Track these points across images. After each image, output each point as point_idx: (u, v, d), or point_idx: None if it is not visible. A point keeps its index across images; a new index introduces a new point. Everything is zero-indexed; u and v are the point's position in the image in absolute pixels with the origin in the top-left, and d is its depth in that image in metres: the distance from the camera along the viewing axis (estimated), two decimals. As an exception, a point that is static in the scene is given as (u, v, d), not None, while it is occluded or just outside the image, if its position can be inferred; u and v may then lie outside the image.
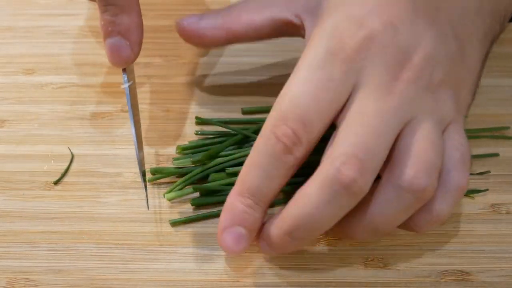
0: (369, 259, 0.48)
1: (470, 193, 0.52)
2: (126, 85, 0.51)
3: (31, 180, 0.53)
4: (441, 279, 0.47)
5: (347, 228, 0.44)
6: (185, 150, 0.54)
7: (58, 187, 0.52)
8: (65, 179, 0.53)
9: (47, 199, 0.51)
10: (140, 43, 0.51)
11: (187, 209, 0.51)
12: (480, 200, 0.52)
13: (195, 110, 0.58)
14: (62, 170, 0.53)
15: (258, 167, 0.43)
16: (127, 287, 0.46)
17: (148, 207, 0.50)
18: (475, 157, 0.54)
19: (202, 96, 0.60)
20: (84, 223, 0.50)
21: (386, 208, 0.42)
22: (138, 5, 0.50)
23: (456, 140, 0.45)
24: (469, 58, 0.48)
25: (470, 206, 0.51)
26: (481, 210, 0.51)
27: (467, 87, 0.48)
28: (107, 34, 0.49)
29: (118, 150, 0.55)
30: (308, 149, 0.43)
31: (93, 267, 0.47)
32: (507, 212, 0.51)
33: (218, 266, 0.47)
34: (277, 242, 0.44)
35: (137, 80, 0.58)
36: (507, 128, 0.56)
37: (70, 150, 0.55)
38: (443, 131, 0.45)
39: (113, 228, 0.49)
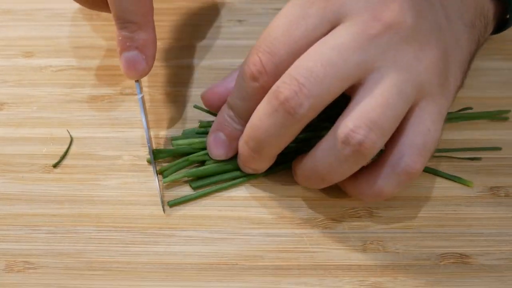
0: (368, 242, 0.48)
1: (461, 180, 0.52)
2: (139, 96, 0.52)
3: (30, 163, 0.53)
4: (440, 262, 0.47)
5: (300, 173, 0.48)
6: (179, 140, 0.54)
7: (57, 170, 0.52)
8: (64, 162, 0.53)
9: (47, 182, 0.51)
10: (154, 57, 0.52)
11: (187, 192, 0.51)
12: (479, 183, 0.52)
13: (193, 93, 0.58)
14: (61, 153, 0.53)
15: (236, 86, 0.49)
16: (126, 270, 0.46)
17: (164, 211, 0.50)
18: (477, 149, 0.54)
19: (200, 79, 0.60)
20: (84, 206, 0.50)
21: (326, 156, 0.44)
22: (153, 21, 0.51)
23: (425, 123, 0.44)
24: (460, 38, 0.48)
25: (469, 189, 0.51)
26: (480, 193, 0.51)
27: (458, 66, 0.47)
28: (125, 49, 0.50)
29: (118, 133, 0.55)
30: (274, 79, 0.45)
31: (92, 250, 0.47)
32: (506, 195, 0.51)
33: (217, 249, 0.47)
34: (241, 151, 0.49)
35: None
36: (508, 111, 0.56)
37: (69, 133, 0.54)
38: (417, 102, 0.44)
39: (112, 211, 0.50)
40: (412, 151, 0.44)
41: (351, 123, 0.42)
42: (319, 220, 0.49)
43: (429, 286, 0.46)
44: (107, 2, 0.50)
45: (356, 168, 0.44)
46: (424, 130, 0.44)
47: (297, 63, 0.43)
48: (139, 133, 0.54)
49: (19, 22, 0.65)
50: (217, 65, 0.61)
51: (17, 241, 0.48)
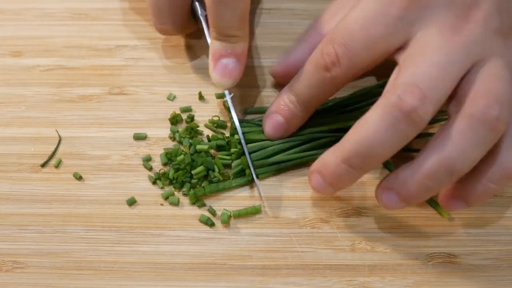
0: (357, 242, 0.48)
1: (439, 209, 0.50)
2: (228, 97, 0.53)
3: (18, 162, 0.52)
4: (429, 261, 0.47)
5: (418, 171, 0.43)
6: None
7: (46, 169, 0.52)
8: (52, 161, 0.53)
9: (35, 182, 0.51)
10: (243, 68, 0.53)
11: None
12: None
13: (181, 93, 0.58)
14: (50, 153, 0.53)
15: (305, 72, 0.50)
16: (114, 270, 0.46)
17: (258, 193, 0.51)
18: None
19: (188, 80, 0.59)
20: (72, 205, 0.50)
21: (460, 142, 0.42)
22: (249, 33, 0.54)
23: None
24: None
25: (458, 189, 0.51)
26: (468, 193, 0.51)
27: None
28: (223, 56, 0.52)
29: (106, 133, 0.54)
30: (347, 72, 0.46)
31: (80, 250, 0.47)
32: (495, 195, 0.51)
33: (206, 249, 0.47)
34: (333, 171, 0.45)
35: (124, 62, 0.58)
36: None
37: (57, 132, 0.54)
38: (479, 61, 0.45)
39: (100, 211, 0.49)
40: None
41: (481, 100, 0.42)
42: (307, 220, 0.49)
43: (417, 285, 0.46)
44: (192, 20, 0.56)
45: (485, 150, 0.43)
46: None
47: (410, 70, 0.43)
48: (127, 133, 0.54)
49: (7, 21, 0.65)
50: (206, 66, 0.61)
51: (4, 241, 0.48)
